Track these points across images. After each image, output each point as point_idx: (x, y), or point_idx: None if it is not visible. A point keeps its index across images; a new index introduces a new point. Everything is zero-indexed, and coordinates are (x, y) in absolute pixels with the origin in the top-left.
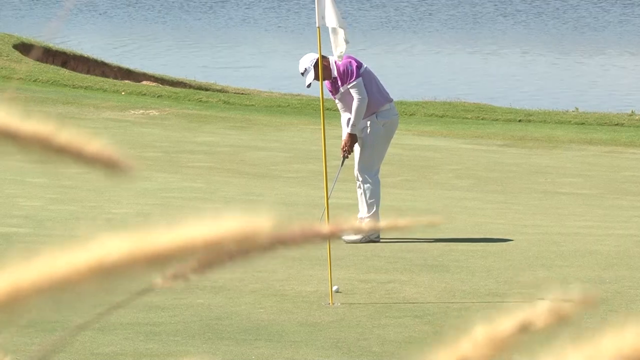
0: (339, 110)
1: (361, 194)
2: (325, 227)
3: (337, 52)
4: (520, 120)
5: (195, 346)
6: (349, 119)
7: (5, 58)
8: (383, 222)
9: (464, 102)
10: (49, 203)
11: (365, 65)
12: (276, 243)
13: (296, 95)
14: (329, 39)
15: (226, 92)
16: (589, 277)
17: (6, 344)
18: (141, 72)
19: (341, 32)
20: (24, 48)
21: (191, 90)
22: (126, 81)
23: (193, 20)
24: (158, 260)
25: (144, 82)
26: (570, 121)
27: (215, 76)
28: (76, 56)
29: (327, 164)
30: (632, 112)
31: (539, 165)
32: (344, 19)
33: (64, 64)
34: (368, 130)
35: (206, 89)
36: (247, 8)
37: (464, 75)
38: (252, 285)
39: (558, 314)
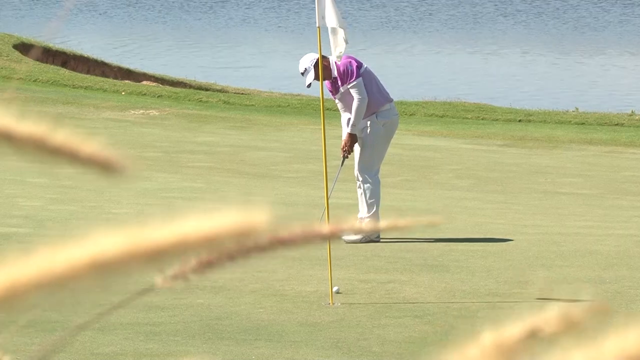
0: (339, 110)
1: (361, 194)
2: (325, 227)
3: (336, 52)
4: (520, 120)
5: (195, 346)
6: (349, 119)
7: (5, 58)
8: (383, 223)
9: (464, 102)
10: (49, 203)
11: (365, 65)
12: (276, 243)
13: (296, 95)
14: (329, 39)
15: (226, 92)
16: (589, 277)
17: (6, 344)
18: (141, 72)
19: (341, 32)
20: (24, 48)
21: (191, 90)
22: (126, 81)
23: (193, 20)
24: (155, 256)
25: (144, 82)
26: (570, 121)
27: (215, 76)
28: (76, 56)
29: (327, 164)
30: (632, 112)
31: (539, 165)
32: (344, 19)
33: (64, 64)
34: (368, 130)
35: (206, 89)
36: (247, 8)
37: (464, 75)
38: (252, 285)
39: (567, 320)
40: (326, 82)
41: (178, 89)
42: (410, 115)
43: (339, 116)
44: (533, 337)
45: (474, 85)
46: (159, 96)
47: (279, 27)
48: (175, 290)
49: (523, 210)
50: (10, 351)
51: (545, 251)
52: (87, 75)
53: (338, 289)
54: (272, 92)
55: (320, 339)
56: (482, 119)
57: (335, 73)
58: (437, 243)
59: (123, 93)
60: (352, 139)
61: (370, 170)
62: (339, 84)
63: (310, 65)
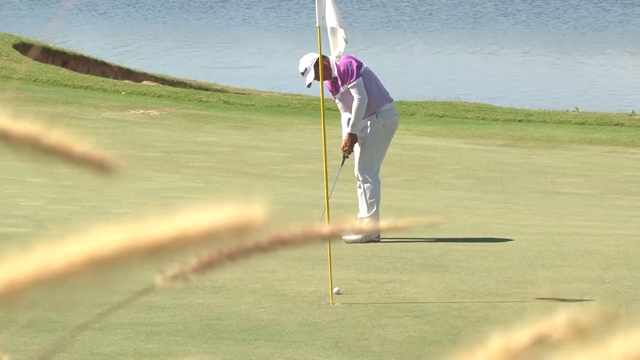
0: (339, 110)
1: (361, 193)
2: (325, 227)
3: (336, 52)
4: (520, 120)
5: (195, 346)
6: (349, 118)
7: (5, 58)
8: (384, 223)
9: (464, 102)
10: (49, 203)
11: (365, 65)
12: (276, 243)
13: (296, 95)
14: (328, 38)
15: (226, 92)
16: (589, 277)
17: (6, 344)
18: (141, 72)
19: (341, 32)
20: (24, 48)
21: (191, 90)
22: (126, 81)
23: (193, 20)
24: (154, 252)
25: (144, 82)
26: (570, 121)
27: (215, 76)
28: (76, 56)
29: (327, 164)
30: (632, 112)
31: (539, 165)
32: (344, 18)
33: (64, 64)
34: (368, 130)
35: (206, 89)
36: (247, 8)
37: (464, 75)
38: (252, 285)
39: (575, 327)
40: (326, 82)
41: (178, 89)
42: (410, 115)
43: (339, 116)
44: (541, 343)
45: (474, 85)
46: (159, 96)
47: (279, 27)
48: (175, 290)
49: (523, 210)
50: (10, 351)
51: (545, 251)
52: (87, 75)
53: (338, 290)
54: (272, 92)
55: (320, 339)
56: (482, 119)
57: (335, 73)
58: (437, 243)
59: (123, 93)
60: (352, 138)
61: (370, 170)
62: (339, 83)
63: (310, 65)
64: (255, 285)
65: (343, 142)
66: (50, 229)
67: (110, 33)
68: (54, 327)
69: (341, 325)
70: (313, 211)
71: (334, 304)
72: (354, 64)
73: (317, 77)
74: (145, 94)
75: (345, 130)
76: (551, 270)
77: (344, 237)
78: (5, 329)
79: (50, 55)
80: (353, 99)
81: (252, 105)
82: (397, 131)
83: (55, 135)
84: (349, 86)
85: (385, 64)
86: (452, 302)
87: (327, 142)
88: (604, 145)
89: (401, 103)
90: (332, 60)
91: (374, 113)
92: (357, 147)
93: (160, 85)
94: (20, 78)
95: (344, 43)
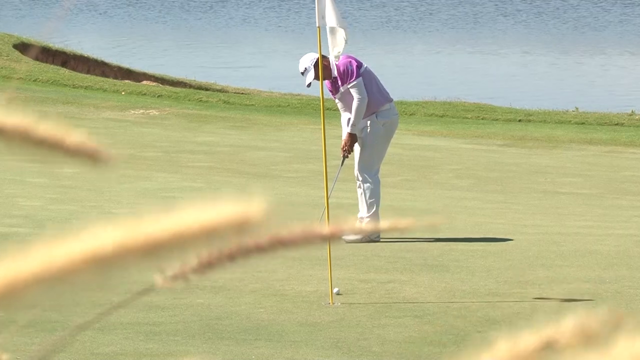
0: (339, 110)
1: (361, 193)
2: (325, 228)
3: (335, 52)
4: (520, 120)
5: (195, 346)
6: (349, 118)
7: (5, 58)
8: (384, 223)
9: (464, 102)
10: (49, 203)
11: (365, 65)
12: (276, 243)
13: (296, 95)
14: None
15: (226, 92)
16: (589, 277)
17: (6, 343)
18: (141, 72)
19: (340, 32)
20: (24, 48)
21: (191, 90)
22: (126, 81)
23: (193, 20)
24: (153, 249)
25: (144, 82)
26: (570, 121)
27: (215, 76)
28: (76, 56)
29: (327, 163)
30: (632, 112)
31: (539, 165)
32: (344, 18)
33: (64, 64)
34: (368, 130)
35: (206, 89)
36: (247, 8)
37: (464, 75)
38: (252, 285)
39: (583, 332)
40: (326, 82)
41: (178, 89)
42: (410, 115)
43: (339, 116)
44: (548, 348)
45: (473, 85)
46: (159, 96)
47: (279, 26)
48: (175, 290)
49: (523, 210)
50: (10, 351)
51: (545, 251)
52: (87, 75)
53: (338, 291)
54: (272, 92)
55: (320, 339)
56: (482, 119)
57: (335, 73)
58: (437, 243)
59: (123, 93)
60: (352, 138)
61: (370, 170)
62: (339, 83)
63: (310, 65)
64: (255, 285)
65: (343, 142)
66: (50, 229)
67: (110, 33)
68: (54, 327)
69: (341, 325)
70: (313, 211)
71: (334, 304)
72: (354, 64)
73: (317, 77)
74: (145, 94)
75: (345, 130)
76: (551, 270)
77: (343, 237)
78: (5, 329)
79: (50, 55)
80: (353, 99)
81: (252, 105)
82: (397, 131)
83: (47, 127)
84: (348, 86)
85: (385, 64)
86: (452, 302)
87: (327, 142)
88: (603, 145)
89: (401, 103)
90: (331, 60)
91: (373, 113)
92: (357, 147)
93: (160, 85)
94: (20, 78)
95: (344, 43)
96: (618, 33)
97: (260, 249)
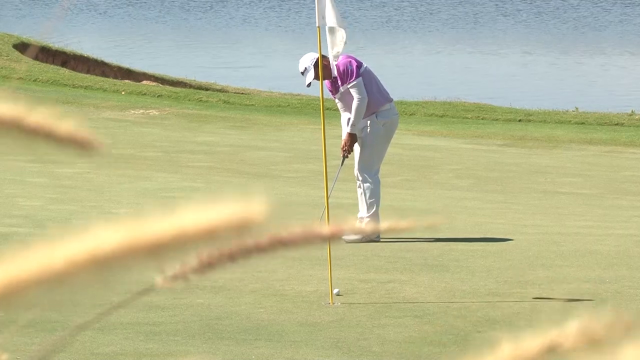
0: (339, 110)
1: (361, 193)
2: (325, 228)
3: (334, 52)
4: (520, 120)
5: (195, 346)
6: (349, 118)
7: (5, 58)
8: (384, 224)
9: (464, 102)
10: (49, 203)
11: (365, 65)
12: (276, 243)
13: (296, 95)
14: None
15: (226, 92)
16: (589, 277)
17: (6, 343)
18: (141, 72)
19: (340, 32)
20: (24, 48)
21: (191, 90)
22: (126, 81)
23: (193, 20)
24: (154, 250)
25: (144, 82)
26: (570, 121)
27: (215, 76)
28: (76, 56)
29: (327, 163)
30: (632, 112)
31: (539, 165)
32: (344, 18)
33: (63, 64)
34: (368, 130)
35: (206, 89)
36: (247, 8)
37: (464, 75)
38: (252, 285)
39: (588, 336)
40: (326, 82)
41: (178, 89)
42: (410, 115)
43: (339, 116)
44: (552, 352)
45: (473, 85)
46: (159, 96)
47: (279, 26)
48: (175, 290)
49: (523, 210)
50: (10, 351)
51: (545, 251)
52: (87, 75)
53: (338, 291)
54: (272, 92)
55: (320, 339)
56: (482, 119)
57: (335, 73)
58: (437, 243)
59: (123, 93)
60: (352, 138)
61: (370, 170)
62: (339, 83)
63: (310, 65)
64: (255, 285)
65: (343, 142)
66: (50, 229)
67: (110, 33)
68: (54, 327)
69: (341, 325)
70: (313, 211)
71: (334, 304)
72: (354, 64)
73: (317, 77)
74: (145, 94)
75: (345, 130)
76: (551, 270)
77: (343, 237)
78: (5, 329)
79: (50, 55)
80: (353, 99)
81: (252, 105)
82: (397, 131)
83: (38, 116)
84: (348, 86)
85: (385, 64)
86: (452, 302)
87: (327, 142)
88: (603, 145)
89: (401, 103)
90: (331, 60)
91: (373, 113)
92: (357, 147)
93: (160, 85)
94: (20, 78)
95: (343, 43)
96: (618, 33)
97: (260, 249)
